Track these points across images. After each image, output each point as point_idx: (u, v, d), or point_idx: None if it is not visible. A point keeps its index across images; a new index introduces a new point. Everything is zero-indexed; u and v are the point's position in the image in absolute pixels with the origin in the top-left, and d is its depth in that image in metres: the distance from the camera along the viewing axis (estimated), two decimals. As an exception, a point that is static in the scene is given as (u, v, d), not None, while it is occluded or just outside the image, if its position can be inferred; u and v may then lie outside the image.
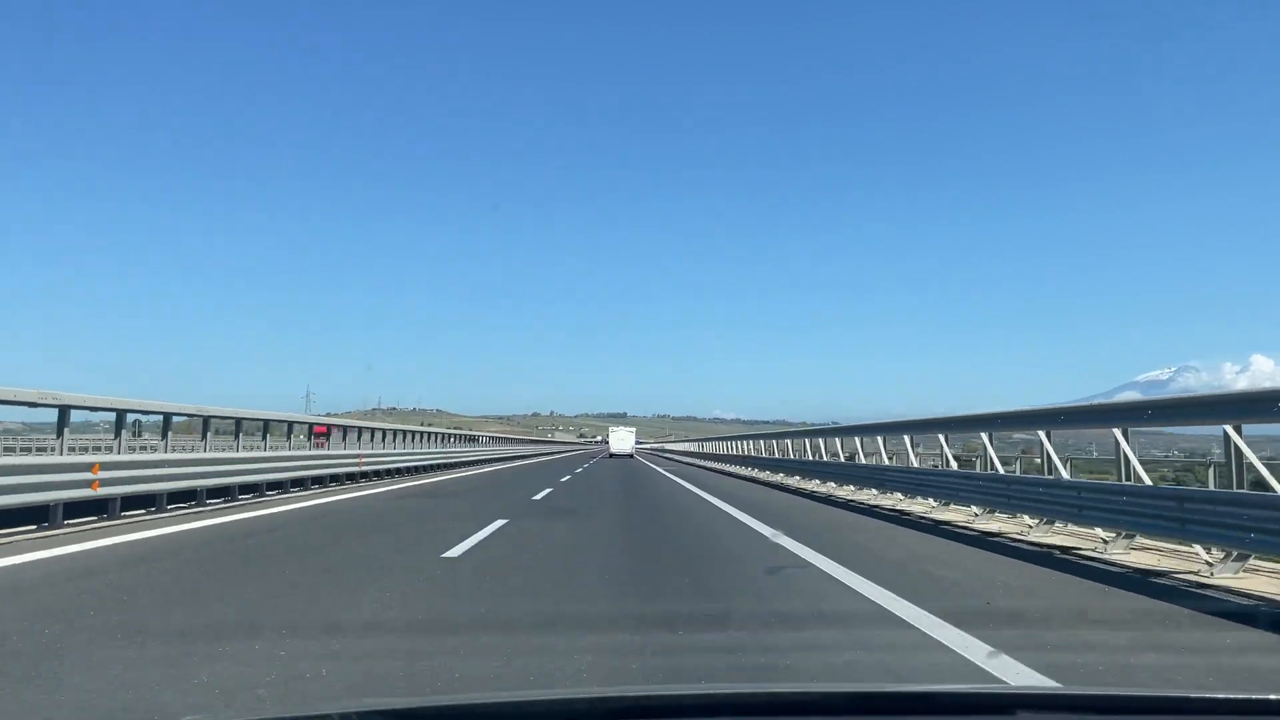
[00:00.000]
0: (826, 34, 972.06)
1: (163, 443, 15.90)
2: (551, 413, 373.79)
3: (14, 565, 8.00)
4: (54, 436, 12.34)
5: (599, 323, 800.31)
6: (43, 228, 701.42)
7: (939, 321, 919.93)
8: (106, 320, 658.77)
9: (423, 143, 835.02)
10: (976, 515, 12.74)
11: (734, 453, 34.76)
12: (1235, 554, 7.63)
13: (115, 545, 9.44)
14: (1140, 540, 9.28)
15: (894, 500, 16.11)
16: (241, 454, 17.50)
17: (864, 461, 20.09)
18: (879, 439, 20.19)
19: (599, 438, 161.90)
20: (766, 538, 10.77)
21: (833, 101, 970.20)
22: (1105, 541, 9.38)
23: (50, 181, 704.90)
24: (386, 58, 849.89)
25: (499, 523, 11.98)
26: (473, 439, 49.87)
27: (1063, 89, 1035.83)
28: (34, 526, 10.66)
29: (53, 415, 12.12)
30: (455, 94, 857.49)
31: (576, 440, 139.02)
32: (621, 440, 69.46)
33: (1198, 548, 8.11)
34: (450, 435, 43.08)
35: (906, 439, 17.82)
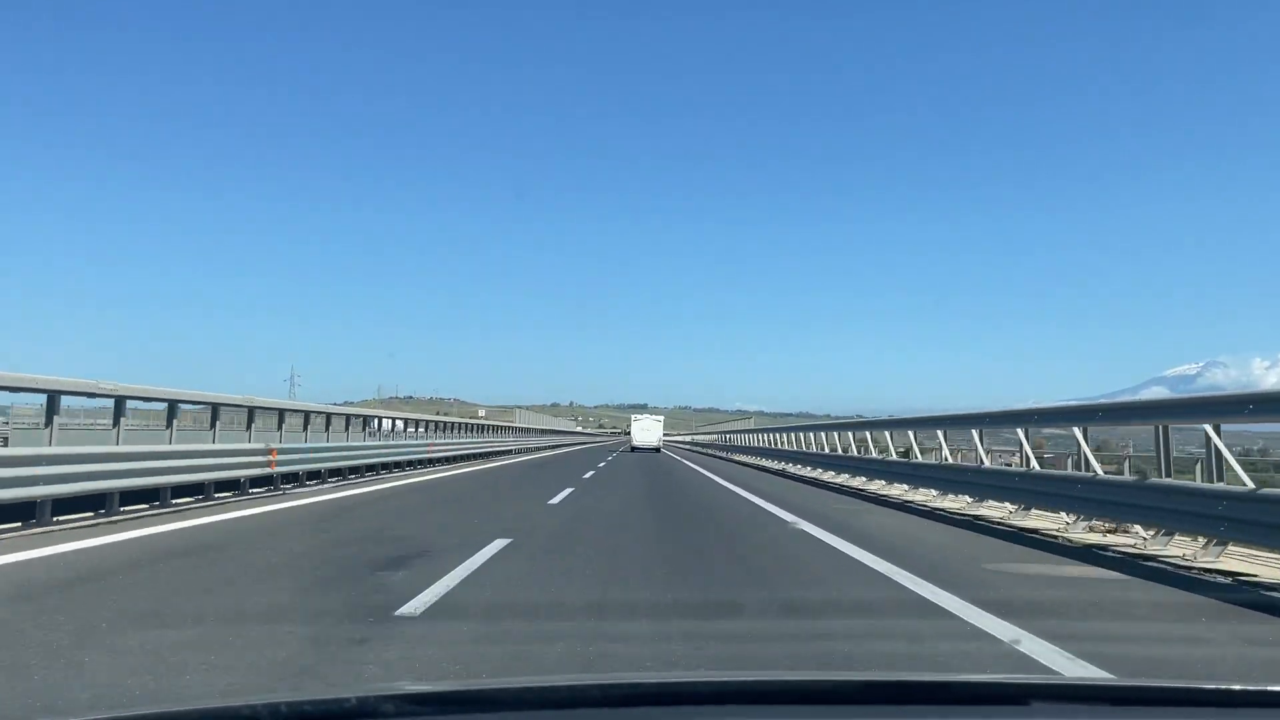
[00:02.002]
0: (870, 25, 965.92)
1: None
2: (571, 403, 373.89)
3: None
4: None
5: (620, 314, 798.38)
6: (32, 213, 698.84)
7: (961, 316, 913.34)
8: (104, 314, 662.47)
9: (437, 130, 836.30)
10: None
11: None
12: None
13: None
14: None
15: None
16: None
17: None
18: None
19: (617, 428, 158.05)
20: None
21: (860, 93, 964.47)
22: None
23: (37, 169, 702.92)
24: (414, 46, 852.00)
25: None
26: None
27: (1089, 83, 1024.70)
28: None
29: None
30: (474, 82, 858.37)
31: (580, 431, 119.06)
32: (646, 431, 60.12)
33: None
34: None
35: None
